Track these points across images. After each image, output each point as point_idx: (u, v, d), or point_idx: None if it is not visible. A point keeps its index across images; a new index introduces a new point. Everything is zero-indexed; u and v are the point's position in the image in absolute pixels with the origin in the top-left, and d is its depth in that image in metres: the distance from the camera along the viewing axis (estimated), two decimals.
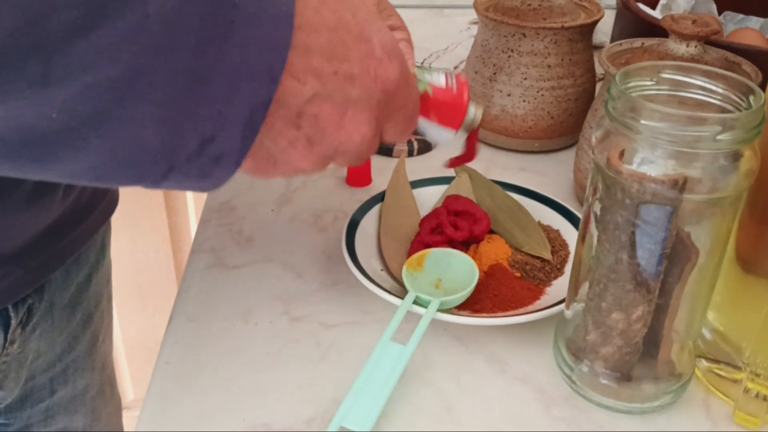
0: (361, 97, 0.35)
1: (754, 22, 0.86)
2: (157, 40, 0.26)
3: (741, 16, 0.87)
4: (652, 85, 0.40)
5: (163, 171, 0.30)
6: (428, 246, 0.52)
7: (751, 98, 0.38)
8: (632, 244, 0.39)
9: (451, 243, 0.53)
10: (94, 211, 0.56)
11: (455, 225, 0.53)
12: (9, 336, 0.49)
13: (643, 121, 0.36)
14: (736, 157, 0.36)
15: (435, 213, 0.54)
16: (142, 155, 0.29)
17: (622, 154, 0.37)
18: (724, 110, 0.39)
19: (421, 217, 0.56)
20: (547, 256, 0.53)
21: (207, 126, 0.30)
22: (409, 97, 0.39)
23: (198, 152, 0.30)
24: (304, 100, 0.33)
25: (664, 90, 0.40)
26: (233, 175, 0.32)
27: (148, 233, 1.30)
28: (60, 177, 0.29)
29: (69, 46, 0.25)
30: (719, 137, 0.35)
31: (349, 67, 0.34)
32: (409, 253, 0.53)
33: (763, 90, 0.39)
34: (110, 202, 0.59)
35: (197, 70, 0.28)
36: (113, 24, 0.25)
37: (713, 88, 0.39)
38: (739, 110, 0.38)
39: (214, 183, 0.32)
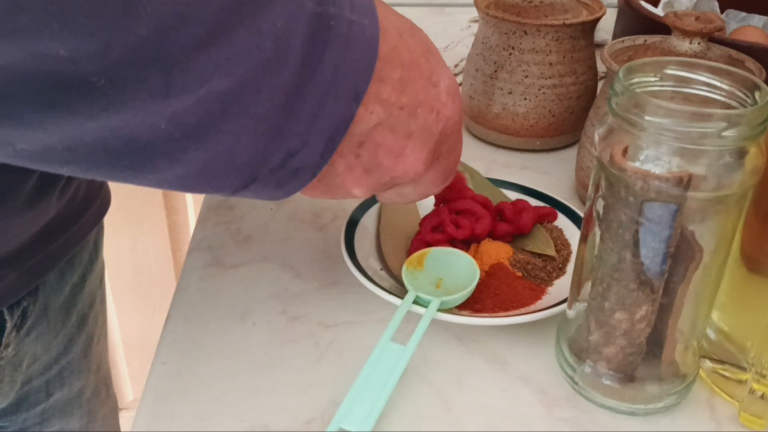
0: (423, 133, 0.36)
1: (757, 20, 0.85)
2: (267, 56, 0.28)
3: (743, 14, 0.86)
4: (656, 81, 0.39)
5: (245, 182, 0.31)
6: (429, 244, 0.51)
7: (757, 94, 0.37)
8: (636, 243, 0.38)
9: (452, 242, 0.52)
10: (87, 212, 0.55)
11: (456, 223, 0.52)
12: (4, 339, 0.49)
13: (647, 117, 0.35)
14: (741, 154, 0.36)
15: (436, 211, 0.54)
16: (231, 167, 0.30)
17: (625, 151, 0.37)
18: (729, 107, 0.38)
19: (421, 215, 0.56)
20: (551, 252, 0.52)
21: (293, 140, 0.31)
22: (456, 145, 0.41)
23: (281, 165, 0.31)
24: (367, 128, 0.34)
25: (668, 86, 0.39)
26: (304, 188, 0.34)
27: (147, 232, 1.30)
28: (147, 184, 0.30)
29: (190, 60, 0.26)
30: (725, 134, 0.35)
31: (415, 105, 0.35)
32: (410, 252, 0.52)
33: None
34: (103, 202, 0.59)
35: (294, 87, 0.29)
36: (230, 39, 0.26)
37: (718, 84, 0.39)
38: (745, 107, 0.38)
39: (286, 193, 0.34)
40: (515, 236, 0.54)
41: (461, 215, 0.53)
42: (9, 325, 0.49)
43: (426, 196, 0.43)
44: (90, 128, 0.26)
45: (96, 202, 0.57)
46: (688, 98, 0.39)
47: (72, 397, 0.62)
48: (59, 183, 0.49)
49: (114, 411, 0.72)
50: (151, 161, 0.28)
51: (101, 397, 0.67)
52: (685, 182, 0.36)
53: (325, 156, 0.33)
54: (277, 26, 0.28)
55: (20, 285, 0.49)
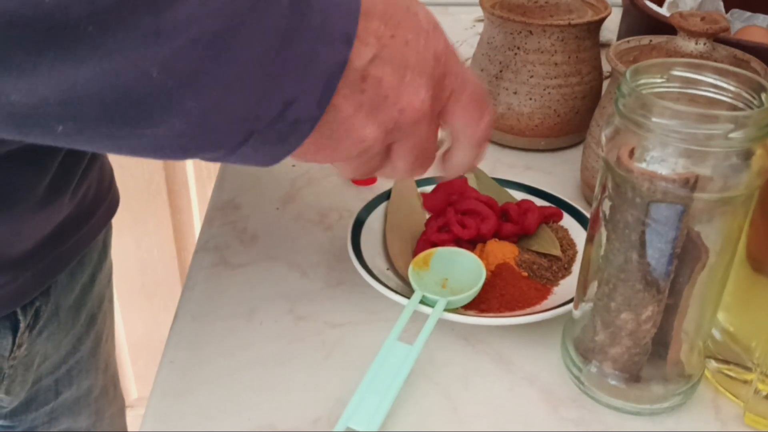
0: (417, 62, 0.36)
1: (762, 19, 0.85)
2: None
3: (748, 13, 0.86)
4: (663, 82, 0.39)
5: (244, 135, 0.31)
6: (435, 244, 0.52)
7: (763, 96, 0.37)
8: (642, 244, 0.38)
9: (458, 242, 0.52)
10: (96, 212, 0.56)
11: (462, 224, 0.53)
12: (17, 339, 0.50)
13: (654, 119, 0.35)
14: (747, 155, 0.36)
15: (442, 212, 0.54)
16: (229, 118, 0.30)
17: (632, 152, 0.37)
18: (735, 108, 0.38)
19: (427, 216, 0.56)
20: (557, 252, 0.53)
21: (289, 89, 0.31)
22: (461, 70, 0.39)
23: (279, 116, 0.31)
24: (367, 60, 0.34)
25: (674, 87, 0.40)
26: (303, 142, 0.33)
27: (152, 232, 1.30)
28: (146, 146, 0.30)
29: (179, 1, 0.26)
30: (731, 135, 0.35)
31: (403, 33, 0.35)
32: (416, 252, 0.52)
33: None
34: (112, 202, 0.59)
35: (285, 31, 0.29)
36: None
37: (724, 85, 0.39)
38: (751, 108, 0.38)
39: (288, 149, 0.34)
40: (521, 236, 0.54)
41: (467, 215, 0.53)
42: (22, 324, 0.49)
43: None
44: (82, 75, 0.26)
45: (105, 202, 0.57)
46: (694, 99, 0.39)
47: (80, 396, 0.62)
48: (72, 182, 0.49)
49: (121, 410, 0.73)
50: (148, 114, 0.28)
51: (109, 396, 0.68)
52: (691, 183, 0.36)
53: (322, 104, 0.33)
54: None
55: (33, 285, 0.50)
